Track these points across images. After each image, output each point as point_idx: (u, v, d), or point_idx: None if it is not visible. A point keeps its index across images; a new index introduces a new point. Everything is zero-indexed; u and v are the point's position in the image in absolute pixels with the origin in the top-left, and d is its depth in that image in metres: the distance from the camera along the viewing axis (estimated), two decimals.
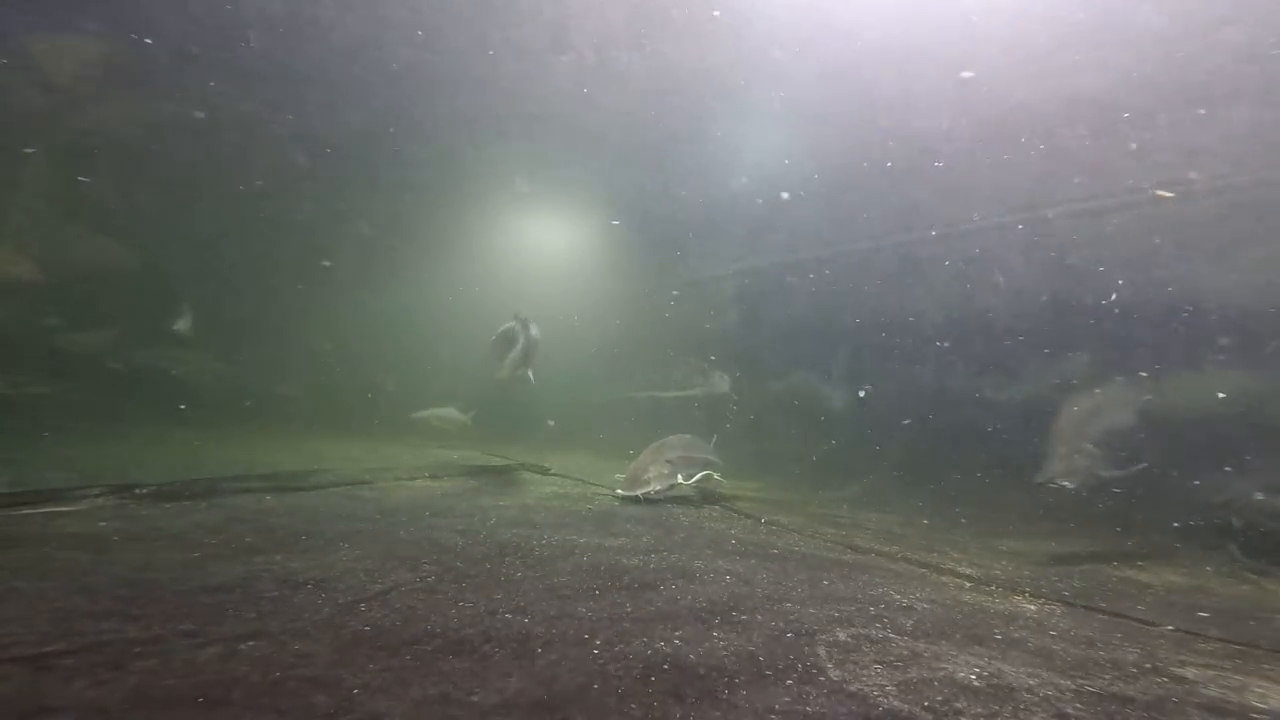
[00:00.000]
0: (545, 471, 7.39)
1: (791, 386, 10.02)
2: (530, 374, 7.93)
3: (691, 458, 6.13)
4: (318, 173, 11.09)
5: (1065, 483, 4.97)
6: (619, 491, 5.76)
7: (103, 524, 3.49)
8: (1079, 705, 1.92)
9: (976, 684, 2.01)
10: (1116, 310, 6.86)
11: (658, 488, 5.68)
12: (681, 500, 5.80)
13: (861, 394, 8.69)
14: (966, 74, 7.13)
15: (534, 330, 9.43)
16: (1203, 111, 6.26)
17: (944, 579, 3.60)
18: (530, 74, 8.97)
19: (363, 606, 2.37)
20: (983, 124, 7.59)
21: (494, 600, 2.55)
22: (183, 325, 10.33)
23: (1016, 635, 2.58)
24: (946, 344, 8.10)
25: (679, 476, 5.80)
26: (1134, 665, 2.34)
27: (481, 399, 11.26)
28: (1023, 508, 6.07)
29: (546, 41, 8.24)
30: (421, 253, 13.63)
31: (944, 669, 2.12)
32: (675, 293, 12.85)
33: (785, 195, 9.70)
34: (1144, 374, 5.75)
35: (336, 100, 9.56)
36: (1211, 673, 2.32)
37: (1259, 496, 5.02)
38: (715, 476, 6.10)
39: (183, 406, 9.48)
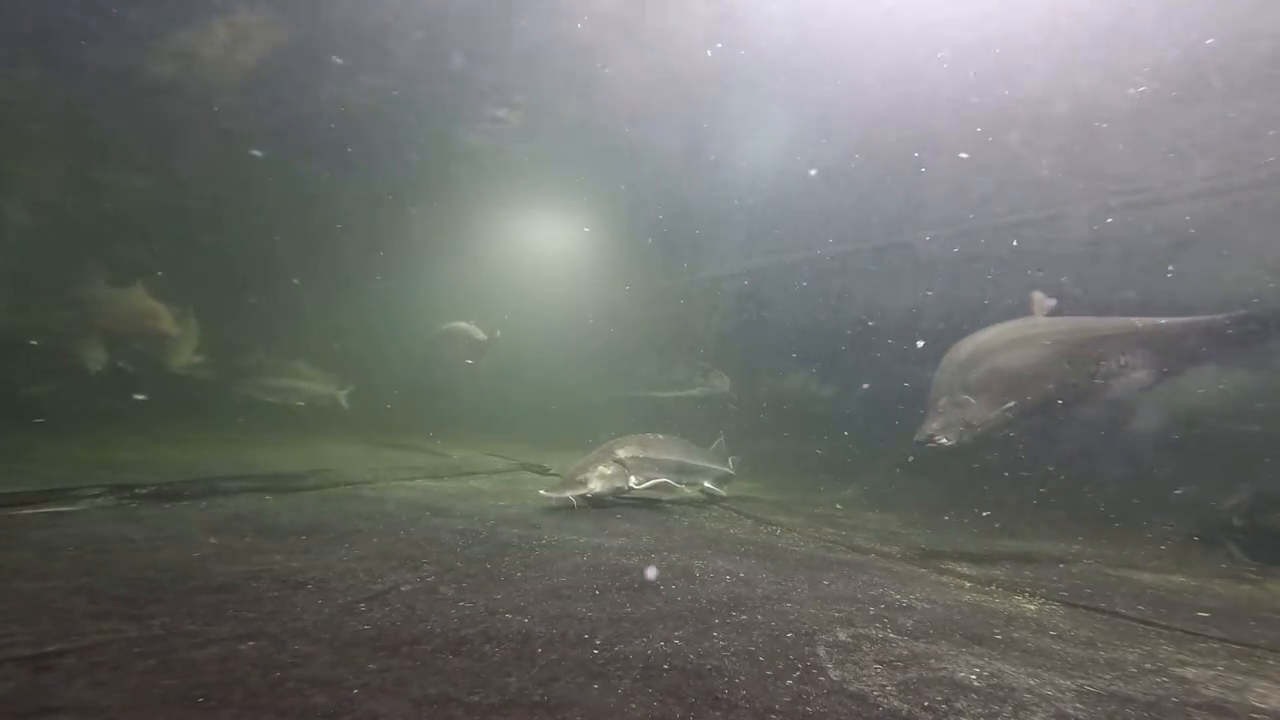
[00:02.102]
0: (545, 472, 7.39)
1: (791, 386, 10.03)
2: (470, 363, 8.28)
3: (651, 459, 5.32)
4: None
5: (944, 439, 4.38)
6: (542, 492, 4.97)
7: (103, 524, 3.49)
8: (1079, 705, 1.92)
9: (976, 684, 2.01)
10: (1120, 310, 6.83)
11: (597, 489, 4.93)
12: (682, 500, 5.78)
13: (866, 386, 8.58)
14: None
15: (478, 333, 9.92)
16: None
17: (944, 579, 3.60)
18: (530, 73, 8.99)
19: (363, 606, 2.37)
20: (983, 123, 7.60)
21: (494, 600, 2.55)
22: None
23: (1016, 635, 2.58)
24: (947, 345, 8.09)
25: (630, 480, 5.06)
26: (1134, 665, 2.33)
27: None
28: (1022, 507, 6.07)
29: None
30: (424, 253, 13.63)
31: (944, 669, 2.12)
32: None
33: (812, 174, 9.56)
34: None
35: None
36: (1211, 673, 2.32)
37: (1260, 496, 5.02)
38: (674, 485, 5.31)
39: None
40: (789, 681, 1.94)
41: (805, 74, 8.26)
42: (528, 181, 11.92)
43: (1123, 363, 4.42)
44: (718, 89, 8.85)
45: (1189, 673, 2.30)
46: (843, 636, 2.38)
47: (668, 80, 8.78)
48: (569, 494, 4.87)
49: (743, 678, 1.94)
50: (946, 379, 4.57)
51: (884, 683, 1.97)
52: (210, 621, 2.12)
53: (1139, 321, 4.40)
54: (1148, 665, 2.35)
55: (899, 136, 8.35)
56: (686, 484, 5.73)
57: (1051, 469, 6.50)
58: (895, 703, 1.84)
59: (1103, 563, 4.40)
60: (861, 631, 2.45)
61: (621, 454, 5.22)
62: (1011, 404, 4.39)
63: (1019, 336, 4.55)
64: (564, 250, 14.00)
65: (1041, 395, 4.43)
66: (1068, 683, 2.09)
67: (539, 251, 14.14)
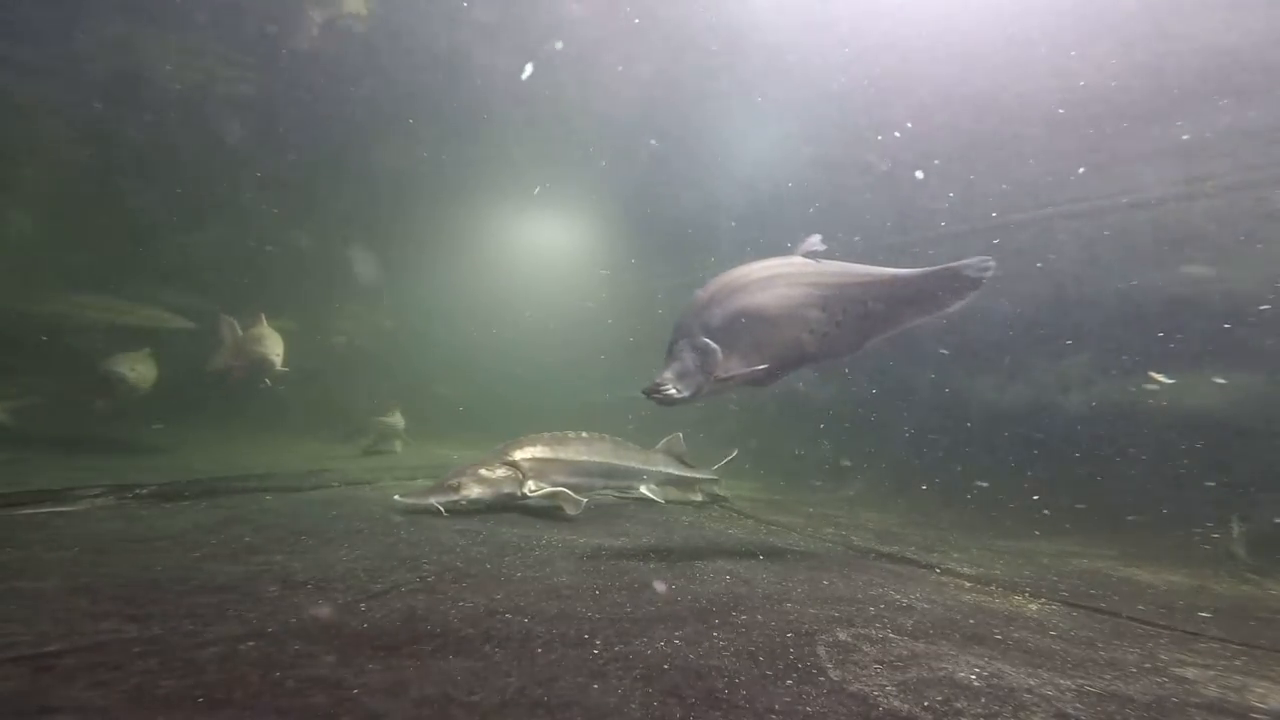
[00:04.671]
0: None
1: (790, 386, 10.03)
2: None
3: (562, 461, 4.72)
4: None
5: (674, 390, 3.65)
6: (397, 497, 4.33)
7: (103, 524, 3.49)
8: (1079, 705, 1.92)
9: (976, 684, 2.01)
10: (1119, 308, 6.83)
11: (474, 495, 4.37)
12: (682, 500, 5.78)
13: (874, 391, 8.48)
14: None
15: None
16: None
17: (944, 579, 3.60)
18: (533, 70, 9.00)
19: (363, 606, 2.36)
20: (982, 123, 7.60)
21: (494, 600, 2.54)
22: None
23: (1016, 635, 2.58)
24: (947, 344, 8.09)
25: (526, 485, 4.50)
26: (1134, 665, 2.33)
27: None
28: (1022, 508, 6.07)
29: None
30: (428, 253, 13.65)
31: (944, 669, 2.12)
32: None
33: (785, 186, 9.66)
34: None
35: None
36: (1211, 673, 2.32)
37: (1260, 496, 5.02)
38: (575, 496, 4.55)
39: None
40: (789, 681, 1.94)
41: (796, 69, 8.26)
42: (531, 183, 11.95)
43: (869, 309, 3.97)
44: (717, 85, 8.86)
45: (1189, 673, 2.30)
46: (843, 636, 2.38)
47: (665, 76, 8.79)
48: (435, 500, 4.25)
49: (743, 678, 1.94)
50: (687, 320, 3.85)
51: (884, 683, 1.97)
52: (210, 621, 2.12)
53: (896, 271, 3.96)
54: (1148, 665, 2.35)
55: (905, 135, 8.36)
56: (619, 490, 5.27)
57: (1050, 468, 6.50)
58: (895, 703, 1.83)
59: (1103, 563, 4.41)
60: (861, 631, 2.45)
61: (517, 456, 4.60)
62: (759, 352, 3.77)
63: (770, 275, 3.91)
64: (569, 252, 14.03)
65: (789, 342, 3.85)
66: (1068, 683, 2.09)
67: (545, 254, 14.17)
